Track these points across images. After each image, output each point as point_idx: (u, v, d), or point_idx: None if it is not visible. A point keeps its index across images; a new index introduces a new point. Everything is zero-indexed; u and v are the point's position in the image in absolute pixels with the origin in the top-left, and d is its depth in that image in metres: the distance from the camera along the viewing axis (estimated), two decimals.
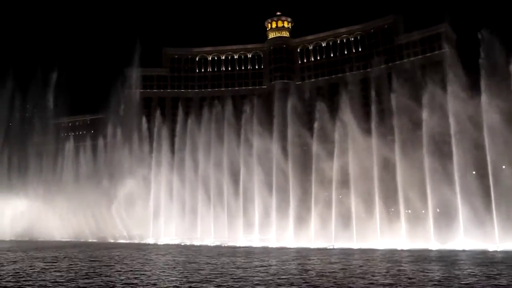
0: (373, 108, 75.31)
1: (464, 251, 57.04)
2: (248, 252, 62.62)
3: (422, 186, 65.71)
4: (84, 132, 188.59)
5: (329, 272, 36.10)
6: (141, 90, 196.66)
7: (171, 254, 60.84)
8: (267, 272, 36.71)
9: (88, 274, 36.92)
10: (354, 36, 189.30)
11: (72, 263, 46.61)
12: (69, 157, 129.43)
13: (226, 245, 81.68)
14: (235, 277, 33.63)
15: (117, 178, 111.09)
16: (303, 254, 57.43)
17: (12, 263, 47.71)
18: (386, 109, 75.67)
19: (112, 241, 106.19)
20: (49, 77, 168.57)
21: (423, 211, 67.99)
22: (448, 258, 47.36)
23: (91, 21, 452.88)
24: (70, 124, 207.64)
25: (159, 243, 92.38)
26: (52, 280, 33.24)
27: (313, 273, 36.47)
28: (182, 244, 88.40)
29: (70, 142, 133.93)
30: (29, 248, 77.49)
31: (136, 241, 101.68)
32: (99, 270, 39.91)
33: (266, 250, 66.37)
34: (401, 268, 38.86)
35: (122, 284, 30.85)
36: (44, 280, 33.58)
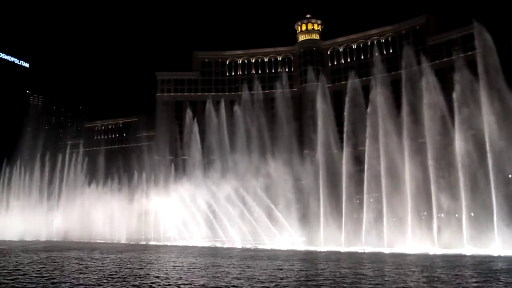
0: (404, 110, 74.21)
1: (500, 257, 55.48)
2: (290, 254, 62.61)
3: (455, 189, 64.43)
4: (117, 135, 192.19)
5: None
6: (172, 94, 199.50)
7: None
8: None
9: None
10: (385, 37, 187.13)
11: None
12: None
13: (255, 247, 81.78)
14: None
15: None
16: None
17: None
18: (418, 111, 74.42)
19: (143, 243, 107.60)
20: (83, 82, 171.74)
21: (456, 215, 66.63)
22: (482, 265, 46.22)
23: (124, 25, 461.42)
24: (103, 127, 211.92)
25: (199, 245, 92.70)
26: None
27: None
28: (219, 246, 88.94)
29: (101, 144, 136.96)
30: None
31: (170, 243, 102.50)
32: None
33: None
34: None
35: None
36: None
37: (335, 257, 57.59)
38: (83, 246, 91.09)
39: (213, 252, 69.46)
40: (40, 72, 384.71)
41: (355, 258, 55.92)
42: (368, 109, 77.40)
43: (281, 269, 42.56)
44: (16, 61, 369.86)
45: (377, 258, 55.60)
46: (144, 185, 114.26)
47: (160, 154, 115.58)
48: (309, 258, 57.91)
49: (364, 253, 66.03)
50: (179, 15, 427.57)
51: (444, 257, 55.87)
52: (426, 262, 49.39)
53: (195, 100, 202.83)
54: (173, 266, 47.32)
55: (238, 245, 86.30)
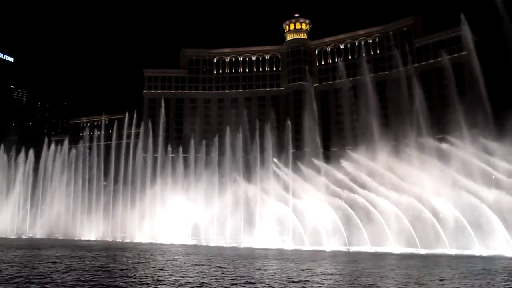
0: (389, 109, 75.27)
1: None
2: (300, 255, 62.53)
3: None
4: (102, 131, 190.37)
5: None
6: (160, 91, 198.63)
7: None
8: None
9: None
10: (373, 38, 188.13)
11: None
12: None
13: (242, 246, 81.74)
14: None
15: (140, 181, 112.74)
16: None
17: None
18: (404, 110, 75.16)
19: (128, 240, 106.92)
20: (69, 78, 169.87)
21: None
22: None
23: (111, 22, 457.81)
24: (89, 124, 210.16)
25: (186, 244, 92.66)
26: None
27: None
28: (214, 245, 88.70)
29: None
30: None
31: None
32: None
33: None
34: None
35: None
36: None
37: None
38: (66, 243, 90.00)
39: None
40: (25, 67, 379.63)
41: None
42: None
43: None
44: (0, 55, 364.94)
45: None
46: (129, 183, 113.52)
47: (146, 151, 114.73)
48: None
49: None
50: (167, 12, 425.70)
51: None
52: None
53: (182, 98, 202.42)
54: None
55: None
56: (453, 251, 63.14)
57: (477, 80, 66.05)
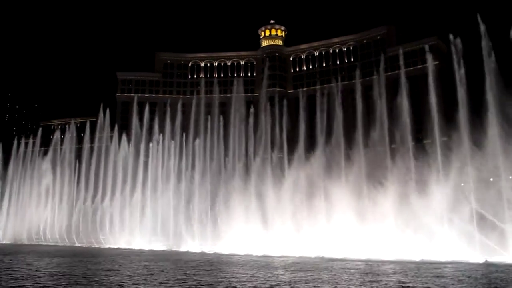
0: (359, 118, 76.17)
1: None
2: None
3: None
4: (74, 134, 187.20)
5: None
6: (133, 94, 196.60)
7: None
8: None
9: None
10: (347, 46, 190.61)
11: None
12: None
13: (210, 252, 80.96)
14: None
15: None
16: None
17: None
18: (377, 118, 75.91)
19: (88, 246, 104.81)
20: (39, 79, 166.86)
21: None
22: None
23: (85, 23, 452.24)
24: (60, 126, 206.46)
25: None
26: None
27: None
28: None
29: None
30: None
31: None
32: None
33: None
34: None
35: None
36: None
37: None
38: (31, 249, 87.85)
39: None
40: None
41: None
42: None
43: None
44: None
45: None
46: (100, 186, 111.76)
47: (119, 155, 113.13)
48: None
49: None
50: (142, 15, 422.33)
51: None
52: None
53: (156, 102, 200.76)
54: None
55: None
56: None
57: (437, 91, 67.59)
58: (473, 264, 48.88)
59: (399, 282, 33.93)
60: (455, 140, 60.51)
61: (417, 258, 54.68)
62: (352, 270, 42.59)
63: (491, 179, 58.56)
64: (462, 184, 60.11)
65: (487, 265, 47.69)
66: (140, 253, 75.28)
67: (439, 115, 65.42)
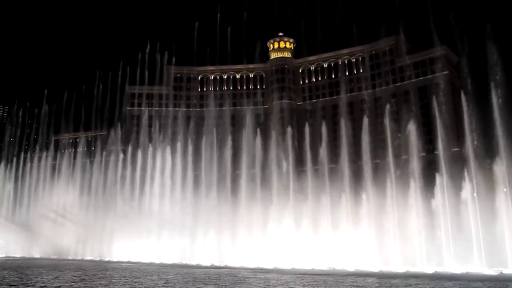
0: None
1: None
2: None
3: None
4: (85, 148, 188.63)
5: None
6: (143, 108, 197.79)
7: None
8: None
9: None
10: (356, 57, 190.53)
11: None
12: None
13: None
14: None
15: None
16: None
17: None
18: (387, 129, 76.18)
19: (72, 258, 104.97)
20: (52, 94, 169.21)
21: None
22: None
23: (96, 37, 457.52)
24: (71, 141, 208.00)
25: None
26: None
27: None
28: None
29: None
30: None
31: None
32: None
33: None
34: None
35: None
36: None
37: None
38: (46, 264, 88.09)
39: None
40: (4, 82, 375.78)
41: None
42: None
43: None
44: None
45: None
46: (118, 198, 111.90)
47: (130, 169, 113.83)
48: None
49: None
50: (153, 29, 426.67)
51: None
52: None
53: (166, 115, 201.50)
54: None
55: None
56: None
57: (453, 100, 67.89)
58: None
59: None
60: None
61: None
62: None
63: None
64: None
65: None
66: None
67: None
